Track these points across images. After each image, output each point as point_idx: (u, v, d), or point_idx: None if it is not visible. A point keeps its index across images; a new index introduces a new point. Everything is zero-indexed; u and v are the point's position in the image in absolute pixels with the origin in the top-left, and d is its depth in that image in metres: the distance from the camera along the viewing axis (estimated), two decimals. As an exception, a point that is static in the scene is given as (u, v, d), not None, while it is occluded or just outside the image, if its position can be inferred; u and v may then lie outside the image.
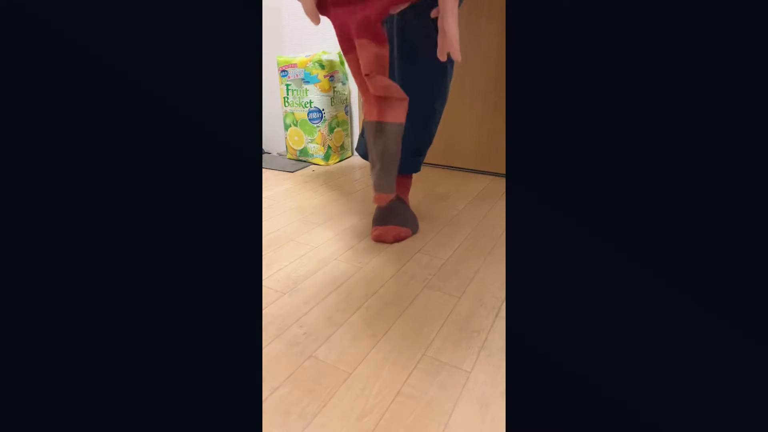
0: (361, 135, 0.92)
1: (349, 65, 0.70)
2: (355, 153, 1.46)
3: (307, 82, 1.26)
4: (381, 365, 0.49)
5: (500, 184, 1.15)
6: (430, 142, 0.88)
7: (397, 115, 0.70)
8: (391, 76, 0.83)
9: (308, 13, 0.66)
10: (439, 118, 0.86)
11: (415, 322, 0.57)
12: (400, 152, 0.73)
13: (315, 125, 1.29)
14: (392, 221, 0.83)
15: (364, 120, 0.74)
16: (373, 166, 0.74)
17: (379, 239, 0.81)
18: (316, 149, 1.32)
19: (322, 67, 1.24)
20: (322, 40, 1.37)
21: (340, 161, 1.39)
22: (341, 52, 1.28)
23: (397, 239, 0.81)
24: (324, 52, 1.30)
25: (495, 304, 0.61)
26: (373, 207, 0.98)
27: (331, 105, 1.30)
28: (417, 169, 0.90)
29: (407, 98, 0.69)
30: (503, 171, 1.24)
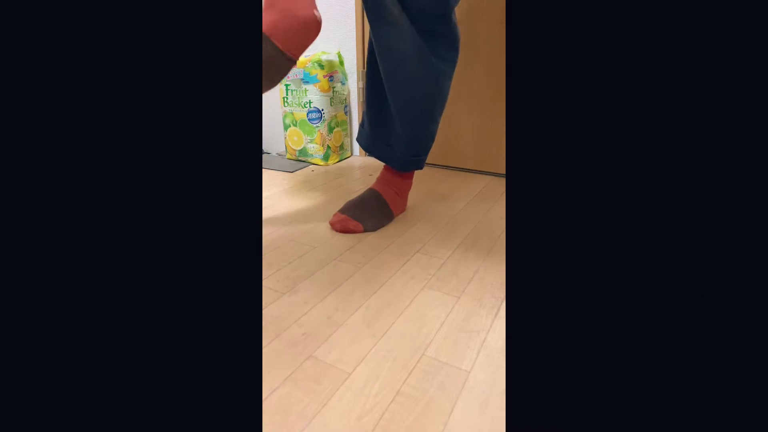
0: (361, 125, 0.92)
1: None
2: (356, 153, 1.46)
3: (307, 82, 1.26)
4: (380, 365, 0.49)
5: (500, 184, 1.16)
6: (431, 143, 0.88)
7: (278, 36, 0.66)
8: (374, 76, 0.82)
9: None
10: (439, 119, 0.86)
11: (414, 322, 0.57)
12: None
13: (314, 125, 1.29)
14: (352, 212, 0.84)
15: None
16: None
17: (331, 225, 0.84)
18: (315, 149, 1.32)
19: (322, 67, 1.24)
20: (321, 40, 1.37)
21: (339, 161, 1.39)
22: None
23: (344, 230, 0.83)
24: (323, 53, 1.30)
25: (494, 304, 0.61)
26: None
27: (331, 105, 1.30)
28: (419, 167, 0.90)
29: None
30: (503, 171, 1.24)
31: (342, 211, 0.86)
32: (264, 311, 0.59)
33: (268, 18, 0.66)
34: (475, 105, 1.21)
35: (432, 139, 0.87)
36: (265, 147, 1.56)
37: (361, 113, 1.40)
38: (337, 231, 0.84)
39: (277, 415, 0.42)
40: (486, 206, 0.99)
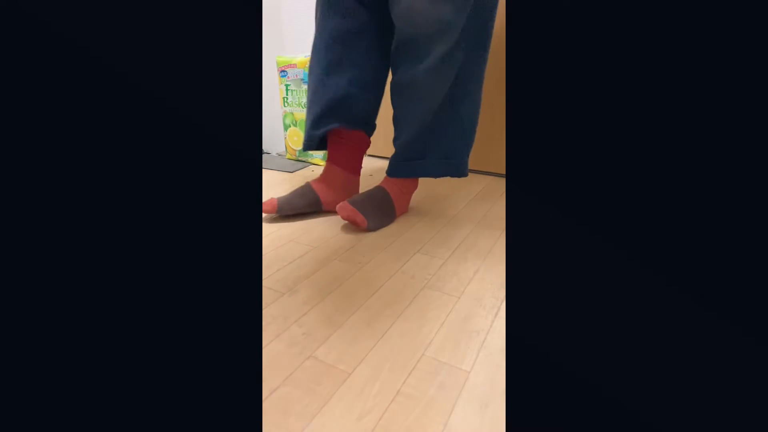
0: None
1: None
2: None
3: (307, 83, 1.26)
4: (380, 365, 0.49)
5: (500, 184, 1.15)
6: (458, 143, 0.84)
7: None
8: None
9: None
10: (461, 112, 0.81)
11: (414, 322, 0.57)
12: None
13: (314, 125, 1.29)
14: (360, 206, 0.83)
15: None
16: None
17: (337, 210, 0.82)
18: (315, 149, 1.32)
19: (322, 67, 1.24)
20: (321, 40, 1.36)
21: (339, 161, 1.39)
22: None
23: (349, 219, 0.82)
24: (323, 52, 1.30)
25: (494, 304, 0.61)
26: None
27: (331, 105, 1.29)
28: (452, 172, 0.87)
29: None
30: (503, 171, 1.24)
31: (351, 202, 0.84)
32: (264, 311, 0.59)
33: (327, 193, 0.90)
34: (475, 105, 1.21)
35: (436, 141, 0.84)
36: (265, 147, 1.56)
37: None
38: (342, 217, 0.82)
39: (277, 415, 0.42)
40: (486, 206, 0.99)
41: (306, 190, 0.90)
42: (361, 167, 0.94)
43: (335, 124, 0.85)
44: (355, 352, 0.51)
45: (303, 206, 0.88)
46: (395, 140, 0.87)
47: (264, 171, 1.30)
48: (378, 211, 0.85)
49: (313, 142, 0.89)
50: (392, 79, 0.81)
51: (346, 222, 0.89)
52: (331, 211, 0.92)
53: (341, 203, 0.83)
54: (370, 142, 0.92)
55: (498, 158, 1.23)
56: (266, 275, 0.68)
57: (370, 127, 0.90)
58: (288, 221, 0.89)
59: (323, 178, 0.91)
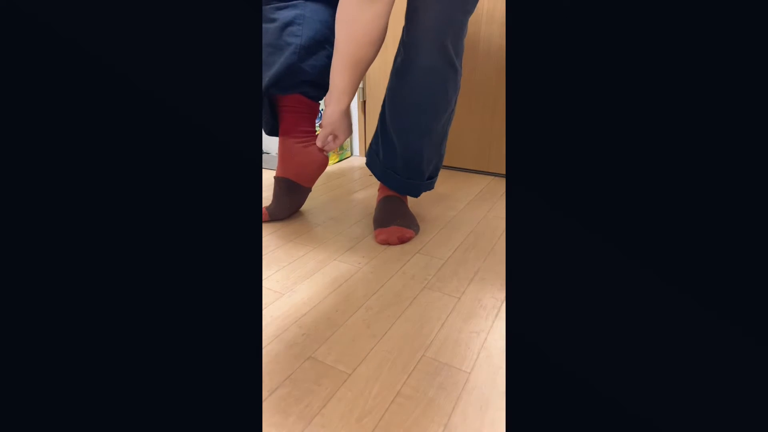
0: (370, 147, 0.90)
1: None
2: (356, 153, 1.46)
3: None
4: (380, 366, 0.49)
5: (500, 185, 1.16)
6: (419, 163, 0.82)
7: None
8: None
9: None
10: (438, 137, 0.80)
11: (414, 322, 0.57)
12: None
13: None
14: (395, 222, 0.82)
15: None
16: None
17: (385, 242, 0.79)
18: (315, 149, 1.32)
19: (322, 67, 1.24)
20: (321, 40, 1.36)
21: (339, 161, 1.39)
22: None
23: (402, 241, 0.80)
24: (324, 53, 1.30)
25: (495, 305, 0.61)
26: (370, 207, 0.98)
27: (331, 105, 1.29)
28: (412, 193, 0.86)
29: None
30: (503, 171, 1.24)
31: (382, 225, 0.82)
32: (264, 312, 0.59)
33: (289, 169, 0.88)
34: (475, 105, 1.21)
35: (419, 160, 0.81)
36: (265, 147, 1.56)
37: (360, 113, 1.40)
38: (393, 244, 0.79)
39: (277, 416, 0.42)
40: (486, 206, 0.99)
41: (280, 184, 0.88)
42: (312, 126, 0.90)
43: (274, 93, 0.84)
44: (354, 352, 0.51)
45: (290, 200, 0.88)
46: (383, 140, 0.85)
47: (264, 171, 1.30)
48: (408, 216, 0.85)
49: (267, 125, 0.89)
50: (388, 85, 0.80)
51: (347, 223, 0.89)
52: (311, 187, 0.90)
53: (380, 236, 0.80)
54: (311, 102, 0.88)
55: (498, 158, 1.23)
56: (265, 276, 0.68)
57: (305, 89, 0.85)
58: (287, 221, 0.89)
59: (281, 158, 0.88)
